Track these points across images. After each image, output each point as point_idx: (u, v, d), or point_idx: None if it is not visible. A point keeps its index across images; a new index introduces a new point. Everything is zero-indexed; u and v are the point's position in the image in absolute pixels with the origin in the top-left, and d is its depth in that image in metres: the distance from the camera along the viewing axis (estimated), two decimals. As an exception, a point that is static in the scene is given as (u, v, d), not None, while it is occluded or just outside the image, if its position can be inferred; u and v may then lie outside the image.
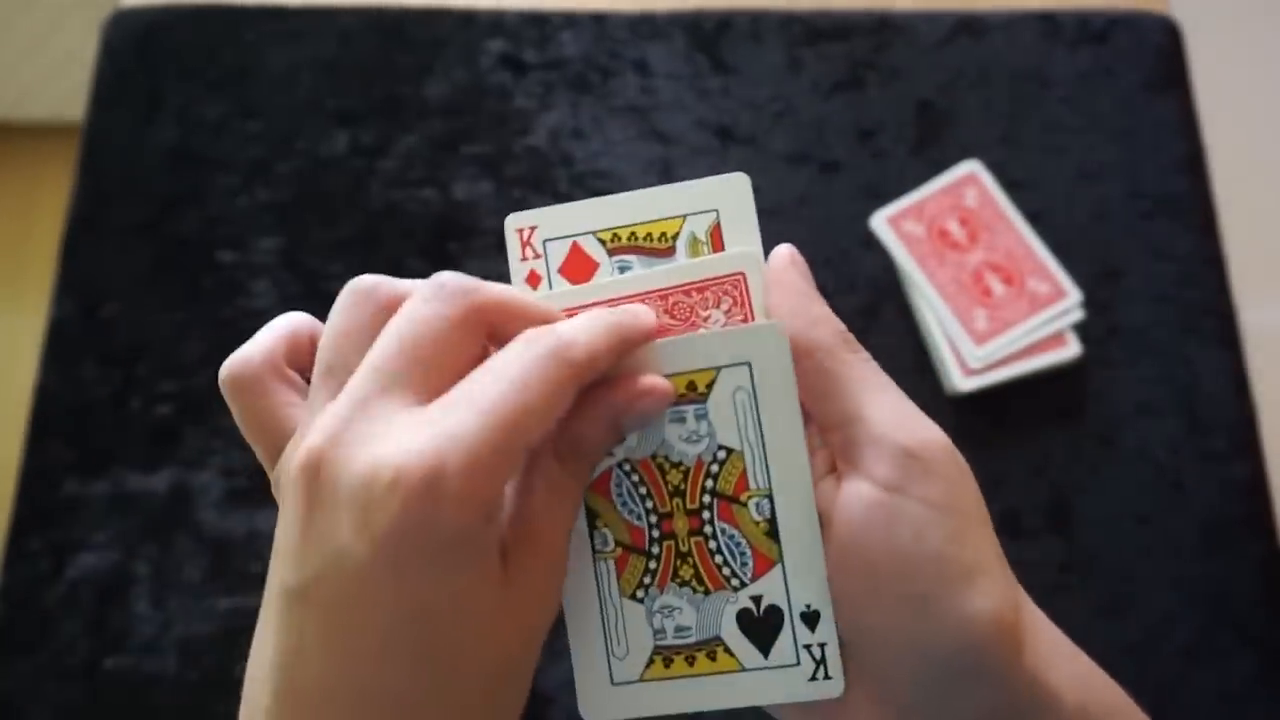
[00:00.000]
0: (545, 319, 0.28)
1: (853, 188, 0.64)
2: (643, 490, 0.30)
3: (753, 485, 0.29)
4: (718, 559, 0.30)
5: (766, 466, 0.29)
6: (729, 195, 0.31)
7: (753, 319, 0.30)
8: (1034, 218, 0.61)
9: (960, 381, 0.57)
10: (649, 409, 0.28)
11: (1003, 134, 0.65)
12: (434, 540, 0.24)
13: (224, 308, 0.61)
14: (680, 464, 0.30)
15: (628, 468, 0.30)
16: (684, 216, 0.31)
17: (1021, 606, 0.28)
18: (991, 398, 0.58)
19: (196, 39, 0.68)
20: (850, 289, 0.61)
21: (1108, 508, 0.57)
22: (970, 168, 0.62)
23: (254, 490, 0.57)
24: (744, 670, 0.29)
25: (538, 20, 0.68)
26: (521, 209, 0.32)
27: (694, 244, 0.31)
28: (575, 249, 0.31)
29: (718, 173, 0.31)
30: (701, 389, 0.30)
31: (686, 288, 0.30)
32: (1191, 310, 0.61)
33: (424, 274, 0.27)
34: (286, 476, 0.26)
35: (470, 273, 0.27)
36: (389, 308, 0.27)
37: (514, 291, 0.28)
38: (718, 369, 0.29)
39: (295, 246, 0.63)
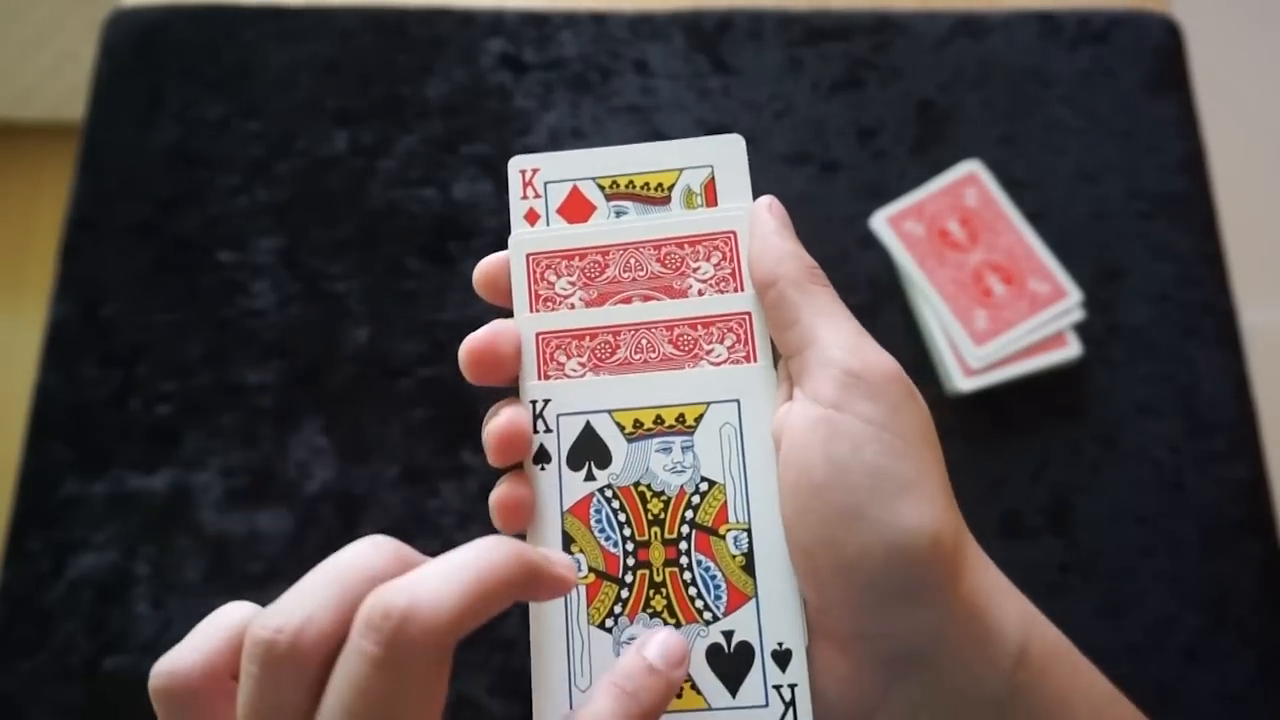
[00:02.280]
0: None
1: (853, 188, 0.64)
2: (621, 517, 0.30)
3: (732, 518, 0.29)
4: (691, 591, 0.29)
5: (747, 501, 0.29)
6: (725, 153, 0.32)
7: (741, 273, 0.31)
8: (1034, 218, 0.61)
9: (960, 381, 0.57)
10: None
11: (1003, 134, 0.65)
12: None
13: (224, 308, 0.61)
14: (662, 493, 0.30)
15: (609, 494, 0.30)
16: (680, 170, 0.32)
17: (963, 539, 0.28)
18: (991, 398, 0.58)
19: (196, 39, 0.68)
20: (850, 289, 0.61)
21: (1108, 508, 0.57)
22: (970, 168, 0.62)
23: (254, 490, 0.57)
24: (710, 709, 0.28)
25: (537, 20, 0.68)
26: None
27: (689, 196, 0.32)
28: (575, 192, 0.32)
29: None
30: (690, 422, 0.30)
31: (680, 240, 0.31)
32: (1191, 310, 0.61)
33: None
34: None
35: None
36: (314, 662, 0.24)
37: (446, 576, 0.24)
38: (708, 404, 0.30)
39: (295, 246, 0.63)
